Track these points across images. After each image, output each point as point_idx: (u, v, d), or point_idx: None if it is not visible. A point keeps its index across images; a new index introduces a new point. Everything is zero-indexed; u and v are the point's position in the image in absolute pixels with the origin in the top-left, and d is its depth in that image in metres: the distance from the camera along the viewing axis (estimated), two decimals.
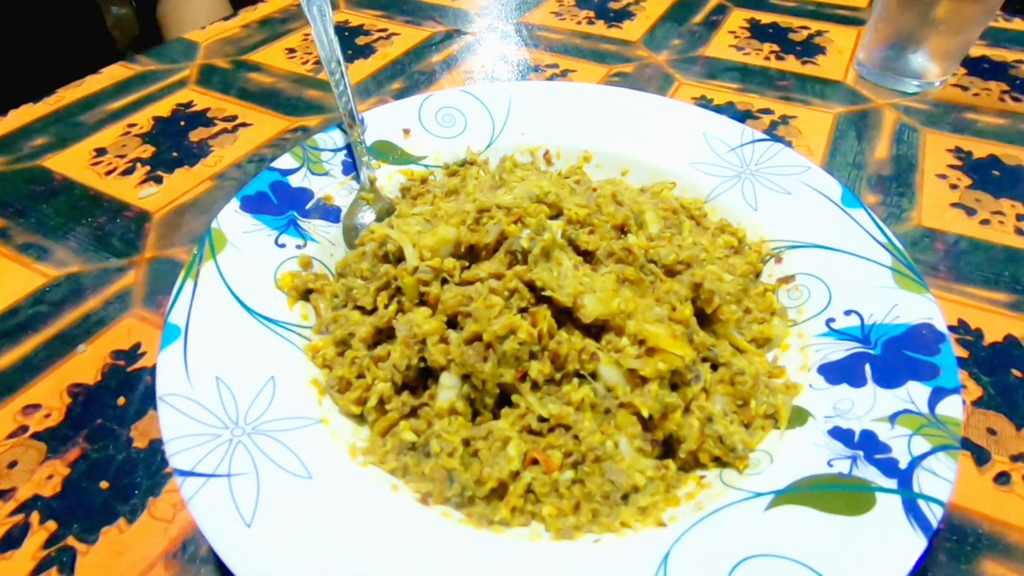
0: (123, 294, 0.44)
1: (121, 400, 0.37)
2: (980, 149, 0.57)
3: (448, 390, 0.31)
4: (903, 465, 0.27)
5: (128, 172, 0.55)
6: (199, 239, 0.40)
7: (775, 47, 0.75)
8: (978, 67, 0.71)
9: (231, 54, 0.73)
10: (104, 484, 0.33)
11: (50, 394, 0.37)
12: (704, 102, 0.65)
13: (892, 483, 0.26)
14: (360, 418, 0.33)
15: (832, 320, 0.35)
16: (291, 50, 0.73)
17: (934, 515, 0.25)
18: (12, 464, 0.34)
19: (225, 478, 0.26)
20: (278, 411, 0.30)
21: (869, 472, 0.27)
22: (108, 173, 0.54)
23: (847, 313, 0.35)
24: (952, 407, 0.28)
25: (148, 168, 0.55)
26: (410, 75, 0.69)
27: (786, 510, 0.27)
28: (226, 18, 0.81)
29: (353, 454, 0.30)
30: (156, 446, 0.34)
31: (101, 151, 0.57)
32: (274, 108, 0.63)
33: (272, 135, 0.60)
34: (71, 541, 0.30)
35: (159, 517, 0.31)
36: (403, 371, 0.32)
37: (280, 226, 0.40)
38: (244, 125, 0.61)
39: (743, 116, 0.62)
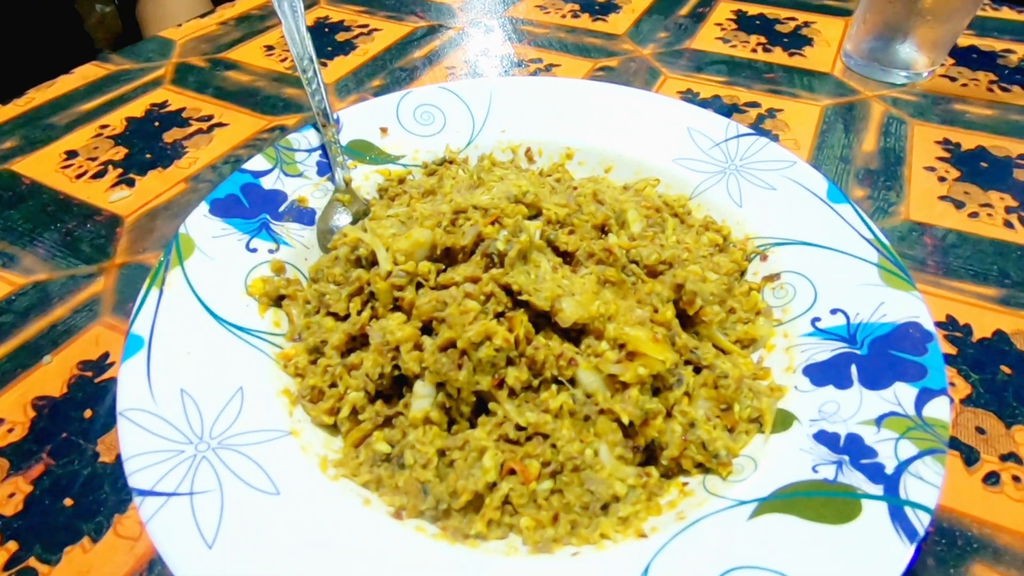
0: (92, 302, 0.42)
1: (88, 413, 0.36)
2: (968, 140, 0.57)
3: (422, 399, 0.30)
4: (889, 470, 0.26)
5: (99, 175, 0.53)
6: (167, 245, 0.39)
7: (762, 39, 0.74)
8: (966, 57, 0.70)
9: (207, 52, 0.71)
10: (68, 501, 0.32)
11: (13, 408, 0.36)
12: (690, 96, 0.64)
13: (878, 489, 0.25)
14: (333, 428, 0.32)
15: (818, 319, 0.34)
16: (269, 47, 0.72)
17: (921, 522, 0.24)
18: None
19: (187, 496, 0.25)
20: (246, 424, 0.29)
21: (855, 478, 0.26)
22: (79, 176, 0.53)
23: (833, 312, 0.34)
24: (939, 409, 0.28)
25: (120, 171, 0.53)
26: (391, 72, 0.68)
27: (770, 519, 0.26)
28: (203, 15, 0.79)
29: (324, 467, 0.29)
30: None
31: (72, 154, 0.55)
32: (251, 107, 0.62)
33: (249, 135, 0.58)
34: (32, 562, 0.29)
35: (125, 535, 0.30)
36: (376, 380, 0.31)
37: (252, 230, 0.39)
38: (220, 125, 0.59)
39: (729, 110, 0.61)
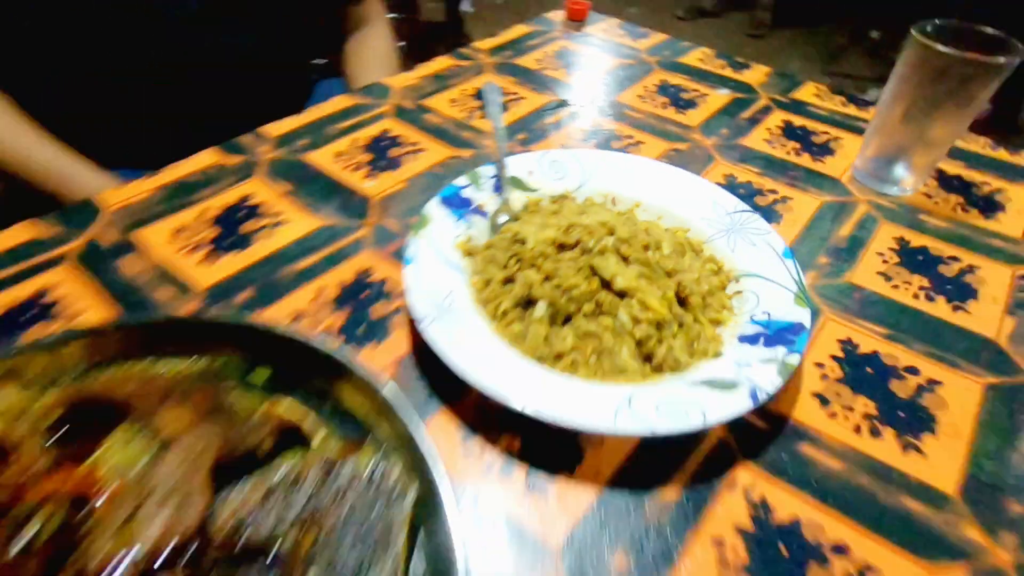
0: (358, 241, 0.77)
1: (366, 293, 0.69)
2: (917, 240, 0.83)
3: (541, 311, 0.61)
4: (760, 380, 0.54)
5: (357, 169, 0.89)
6: (410, 215, 0.72)
7: (797, 145, 1.02)
8: (950, 182, 0.95)
9: (414, 97, 1.07)
10: (362, 329, 0.65)
11: (315, 296, 0.70)
12: (731, 178, 0.93)
13: (751, 383, 0.54)
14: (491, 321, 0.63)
15: (754, 316, 0.62)
16: (454, 100, 1.07)
17: (766, 396, 0.52)
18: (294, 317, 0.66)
19: (437, 323, 0.57)
20: (457, 306, 0.61)
21: (744, 377, 0.55)
22: (345, 168, 0.89)
23: (764, 313, 0.62)
24: (794, 359, 0.56)
25: (368, 169, 0.89)
26: (530, 130, 1.01)
27: (702, 387, 0.54)
28: (410, 70, 1.16)
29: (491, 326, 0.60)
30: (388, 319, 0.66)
31: (340, 154, 0.92)
32: (441, 140, 0.97)
33: (439, 160, 0.93)
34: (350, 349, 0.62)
35: (388, 349, 0.63)
36: (519, 298, 0.62)
37: (458, 216, 0.72)
38: (422, 150, 0.94)
39: (754, 192, 0.90)
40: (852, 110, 1.13)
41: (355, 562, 0.41)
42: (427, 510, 0.45)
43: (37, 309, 0.65)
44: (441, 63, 1.19)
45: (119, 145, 1.14)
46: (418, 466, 0.47)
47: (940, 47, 0.76)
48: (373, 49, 1.45)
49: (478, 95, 1.09)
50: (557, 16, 1.44)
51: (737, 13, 5.01)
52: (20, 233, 0.75)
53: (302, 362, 0.54)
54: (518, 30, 1.36)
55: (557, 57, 1.25)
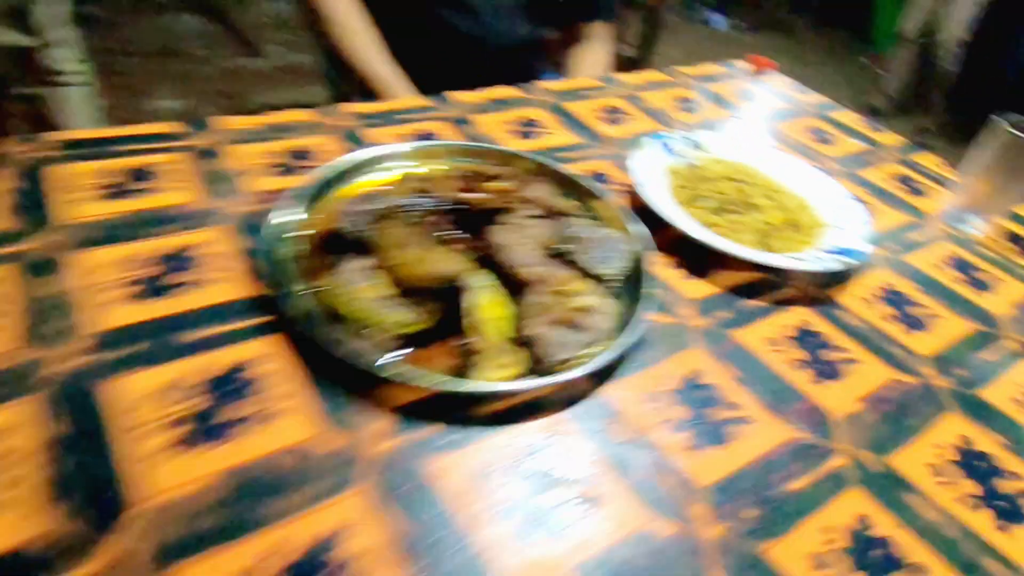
0: (598, 155, 1.26)
1: (600, 178, 1.18)
2: (968, 257, 1.18)
3: (707, 204, 1.06)
4: (827, 263, 0.96)
5: (602, 121, 1.39)
6: (627, 149, 1.20)
7: (903, 187, 1.39)
8: (1013, 236, 1.28)
9: (636, 90, 1.57)
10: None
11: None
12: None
13: (821, 263, 0.95)
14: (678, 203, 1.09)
15: (836, 243, 1.03)
16: (662, 98, 1.56)
17: (825, 269, 0.94)
18: None
19: (648, 191, 1.04)
20: (657, 192, 1.08)
21: (819, 262, 0.96)
22: (594, 118, 1.40)
23: (841, 244, 1.03)
24: (851, 261, 0.96)
25: (608, 122, 1.39)
26: (713, 130, 1.47)
27: (789, 259, 0.97)
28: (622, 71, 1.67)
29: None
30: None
31: (593, 110, 1.43)
32: (651, 118, 1.45)
33: (650, 128, 1.41)
34: None
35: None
36: (694, 197, 1.08)
37: (662, 147, 1.19)
38: (638, 119, 1.43)
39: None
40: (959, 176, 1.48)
41: (605, 254, 0.89)
42: (635, 261, 0.92)
43: (424, 138, 1.21)
44: (655, 76, 1.69)
45: (431, 77, 1.74)
46: (632, 238, 0.94)
47: (1010, 130, 1.13)
48: (594, 59, 1.98)
49: (681, 99, 1.57)
50: (743, 65, 1.89)
51: (907, 118, 5.16)
52: (408, 102, 1.33)
53: (574, 187, 1.04)
54: (714, 68, 1.83)
55: (738, 91, 1.71)
